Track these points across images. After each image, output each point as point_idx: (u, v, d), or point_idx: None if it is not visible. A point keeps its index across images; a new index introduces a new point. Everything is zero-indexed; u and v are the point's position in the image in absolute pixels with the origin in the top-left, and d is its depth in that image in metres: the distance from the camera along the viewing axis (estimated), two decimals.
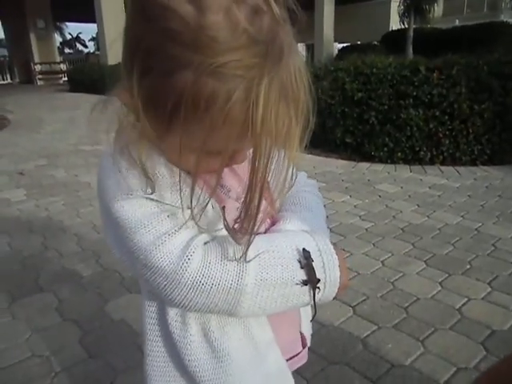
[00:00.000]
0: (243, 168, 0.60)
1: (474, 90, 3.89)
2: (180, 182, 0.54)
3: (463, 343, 1.65)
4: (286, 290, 0.57)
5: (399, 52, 9.09)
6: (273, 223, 0.67)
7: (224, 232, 0.57)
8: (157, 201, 0.54)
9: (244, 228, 0.52)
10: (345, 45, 15.93)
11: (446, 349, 1.63)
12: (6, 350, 1.72)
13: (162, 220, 0.54)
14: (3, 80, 20.62)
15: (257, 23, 0.43)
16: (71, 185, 3.95)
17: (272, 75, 0.44)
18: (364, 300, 1.96)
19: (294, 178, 0.57)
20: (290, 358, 0.73)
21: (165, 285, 0.54)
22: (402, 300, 1.94)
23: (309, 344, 0.79)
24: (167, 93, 0.45)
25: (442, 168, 4.00)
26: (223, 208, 0.59)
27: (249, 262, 0.55)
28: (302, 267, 0.58)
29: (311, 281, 0.58)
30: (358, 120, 4.33)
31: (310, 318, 0.78)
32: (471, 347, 1.63)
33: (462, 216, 2.88)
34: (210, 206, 0.57)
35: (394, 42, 13.48)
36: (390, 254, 2.38)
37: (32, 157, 5.14)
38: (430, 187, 3.51)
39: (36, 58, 19.83)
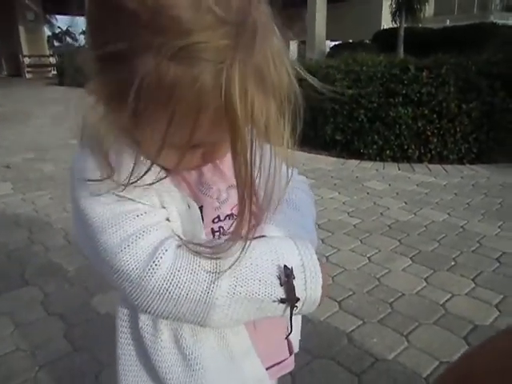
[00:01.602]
0: (228, 164, 0.56)
1: (462, 90, 3.93)
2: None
3: (446, 338, 1.68)
4: (261, 305, 0.54)
5: (390, 51, 9.13)
6: (257, 223, 0.61)
7: (201, 235, 0.55)
8: (128, 199, 0.51)
9: (236, 233, 0.49)
10: (336, 43, 15.97)
11: (430, 343, 1.65)
12: None
13: (130, 220, 0.50)
14: None
15: (224, 1, 0.40)
16: (59, 179, 3.91)
17: (245, 59, 0.41)
18: (350, 295, 1.98)
19: (288, 178, 0.54)
20: (274, 365, 0.69)
21: (130, 290, 0.51)
22: (388, 295, 1.97)
23: (296, 350, 0.76)
24: (128, 80, 0.41)
25: (430, 166, 4.04)
26: (201, 208, 0.57)
27: (222, 273, 0.51)
28: (281, 285, 0.54)
29: (290, 300, 0.55)
30: (347, 117, 4.35)
31: (298, 324, 0.75)
32: (454, 342, 1.65)
33: (448, 213, 2.91)
34: (185, 205, 0.54)
35: (385, 40, 13.54)
36: (376, 251, 2.40)
37: (19, 150, 5.08)
38: (417, 185, 3.55)
39: (25, 51, 19.56)
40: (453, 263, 2.25)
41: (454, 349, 1.61)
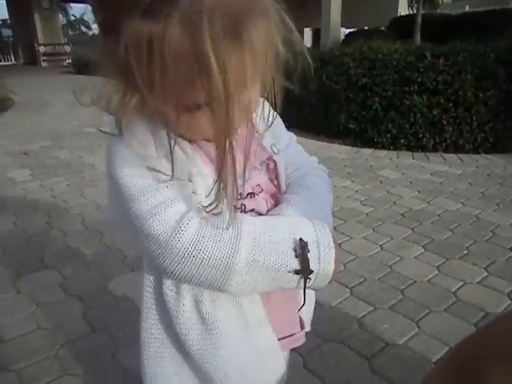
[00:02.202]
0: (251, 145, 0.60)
1: (479, 78, 3.86)
2: (172, 152, 0.54)
3: (457, 324, 1.69)
4: (277, 275, 0.58)
5: (407, 38, 8.98)
6: (276, 204, 0.67)
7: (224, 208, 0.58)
8: (158, 171, 0.55)
9: (222, 193, 0.53)
10: (351, 30, 15.73)
11: (440, 329, 1.66)
12: (11, 323, 1.77)
13: (160, 190, 0.55)
14: (7, 61, 20.54)
15: None
16: (75, 166, 3.99)
17: (211, 9, 0.43)
18: (361, 282, 2.00)
19: (271, 117, 0.65)
20: (286, 337, 0.73)
21: (158, 253, 0.55)
22: (399, 282, 1.98)
23: (308, 328, 0.79)
24: (121, 48, 0.45)
25: (445, 155, 4.00)
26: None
27: (242, 240, 0.55)
28: (296, 256, 0.58)
29: (304, 271, 0.58)
30: (361, 106, 4.32)
31: (312, 301, 0.79)
32: (464, 328, 1.67)
33: (462, 203, 2.90)
34: (210, 180, 0.57)
35: (401, 27, 13.28)
36: (389, 239, 2.41)
37: (36, 138, 5.17)
38: (431, 174, 3.52)
39: (40, 39, 19.71)
40: (465, 252, 2.25)
41: (464, 335, 1.62)
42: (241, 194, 0.63)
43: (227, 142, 0.50)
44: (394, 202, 2.93)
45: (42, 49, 19.63)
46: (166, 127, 0.54)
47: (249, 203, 0.64)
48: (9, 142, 4.95)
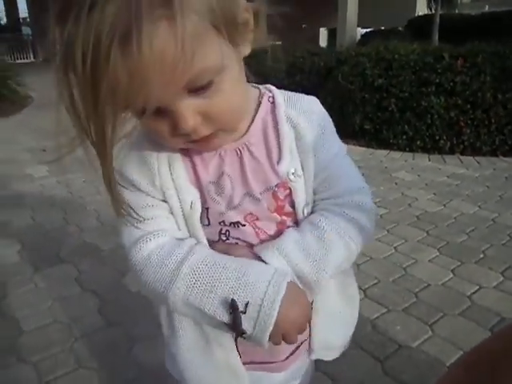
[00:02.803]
0: (253, 171, 0.61)
1: (498, 79, 3.80)
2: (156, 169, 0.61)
3: (472, 329, 1.67)
4: (211, 321, 0.59)
5: (424, 38, 8.88)
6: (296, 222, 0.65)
7: (199, 234, 0.62)
8: (140, 190, 0.62)
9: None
10: (368, 30, 15.60)
11: (454, 333, 1.65)
12: (29, 315, 1.81)
13: (139, 209, 0.61)
14: (26, 59, 20.90)
15: None
16: (91, 163, 4.03)
17: None
18: (375, 283, 1.99)
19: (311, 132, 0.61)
20: (254, 363, 0.72)
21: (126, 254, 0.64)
22: (413, 285, 1.96)
23: (313, 357, 0.77)
24: None
25: (462, 158, 3.95)
26: (207, 208, 0.63)
27: (177, 282, 0.58)
28: (229, 311, 0.56)
29: (233, 329, 0.56)
30: (377, 106, 4.28)
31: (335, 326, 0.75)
32: (479, 333, 1.65)
33: (478, 206, 2.86)
34: (188, 204, 0.61)
35: (419, 28, 13.13)
36: (403, 241, 2.39)
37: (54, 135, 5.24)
38: (448, 176, 3.48)
39: None
40: (481, 256, 2.22)
41: (479, 339, 1.59)
42: (223, 221, 0.63)
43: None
44: (409, 204, 2.91)
45: None
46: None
47: (233, 232, 0.64)
48: (27, 138, 5.04)
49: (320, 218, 0.63)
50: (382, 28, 15.55)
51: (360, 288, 1.94)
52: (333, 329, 0.75)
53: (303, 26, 14.81)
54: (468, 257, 2.21)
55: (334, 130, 0.67)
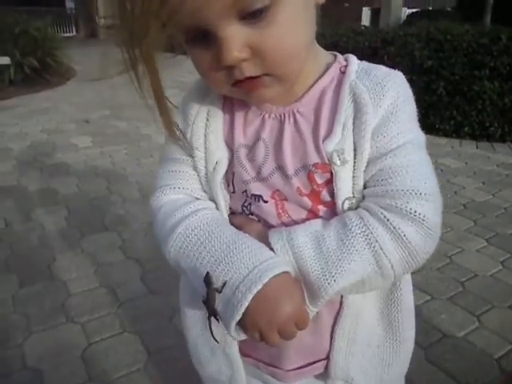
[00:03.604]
0: (291, 146, 0.55)
1: None
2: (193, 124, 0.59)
3: None
4: (190, 274, 0.55)
5: (475, 19, 8.43)
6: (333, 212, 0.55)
7: (218, 197, 0.59)
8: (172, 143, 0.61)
9: None
10: (414, 10, 14.94)
11: (503, 326, 1.59)
12: (76, 278, 1.88)
13: (167, 161, 0.63)
14: (69, 32, 21.32)
15: None
16: (133, 135, 4.10)
17: None
18: (419, 271, 1.93)
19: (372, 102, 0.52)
20: (271, 366, 0.65)
21: None
22: (459, 275, 1.90)
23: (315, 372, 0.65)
24: None
25: None
26: (233, 173, 0.59)
27: (172, 238, 0.55)
28: (205, 284, 0.51)
29: (207, 308, 0.51)
30: (425, 89, 4.11)
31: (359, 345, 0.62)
32: None
33: None
34: (212, 165, 0.58)
35: (470, 7, 12.43)
36: (449, 229, 2.31)
37: (97, 107, 5.36)
38: (497, 165, 3.32)
39: (101, 12, 20.25)
40: None
41: None
42: (246, 191, 0.58)
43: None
44: (456, 192, 2.80)
45: (101, 21, 20.18)
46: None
47: (254, 207, 0.58)
48: (72, 110, 5.17)
49: (354, 217, 0.51)
50: (430, 8, 14.87)
51: None
52: (361, 362, 0.63)
53: (346, 4, 14.36)
54: None
55: (412, 113, 0.56)
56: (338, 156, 0.52)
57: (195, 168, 0.59)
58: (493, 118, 3.83)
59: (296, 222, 0.55)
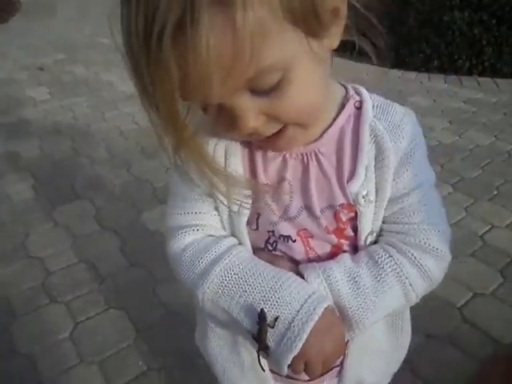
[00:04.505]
0: (316, 184, 0.55)
1: None
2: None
3: (482, 270, 1.74)
4: (236, 325, 0.55)
5: None
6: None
7: (245, 240, 0.59)
8: (190, 183, 0.57)
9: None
10: None
11: (465, 275, 1.71)
12: (54, 254, 1.87)
13: (184, 201, 0.60)
14: None
15: None
16: (93, 83, 3.87)
17: None
18: None
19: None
20: (290, 378, 0.67)
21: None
22: None
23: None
24: None
25: (480, 79, 3.76)
26: (258, 215, 0.58)
27: (209, 280, 0.55)
28: (258, 320, 0.51)
29: (258, 341, 0.52)
30: (396, 20, 3.98)
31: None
32: (489, 274, 1.71)
33: (495, 136, 2.79)
34: (235, 212, 0.57)
35: None
36: None
37: (49, 50, 4.95)
38: (464, 101, 3.35)
39: None
40: (495, 192, 2.23)
41: (489, 281, 1.68)
42: (273, 231, 0.58)
43: None
44: (425, 135, 2.83)
45: None
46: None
47: (281, 245, 0.59)
48: (22, 54, 4.77)
49: (383, 254, 0.56)
50: None
51: None
52: (370, 365, 0.69)
53: None
54: (482, 194, 2.21)
55: (425, 153, 0.59)
56: (363, 197, 0.55)
57: (217, 208, 0.59)
58: (461, 50, 3.78)
59: (320, 257, 0.59)
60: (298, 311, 0.51)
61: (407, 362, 1.30)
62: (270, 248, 0.60)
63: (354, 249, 0.60)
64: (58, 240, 1.95)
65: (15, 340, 1.48)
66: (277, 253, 0.60)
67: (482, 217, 2.04)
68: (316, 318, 0.50)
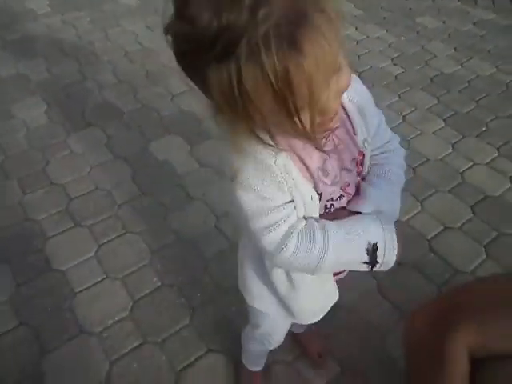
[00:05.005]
0: (345, 149, 0.74)
1: None
2: (283, 178, 0.67)
3: (455, 206, 1.94)
4: (352, 265, 0.77)
5: None
6: (356, 190, 0.79)
7: (316, 214, 0.75)
8: (266, 198, 0.68)
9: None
10: None
11: (440, 209, 1.92)
12: (73, 181, 2.08)
13: (269, 213, 0.69)
14: None
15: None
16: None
17: (265, 35, 0.46)
18: None
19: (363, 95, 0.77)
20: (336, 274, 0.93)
21: (267, 256, 0.77)
22: (414, 160, 2.15)
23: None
24: (208, 90, 0.54)
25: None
26: (320, 194, 0.74)
27: (328, 253, 0.70)
28: (367, 254, 0.74)
29: (371, 263, 0.75)
30: None
31: None
32: (461, 209, 1.92)
33: (496, 66, 2.80)
34: (309, 197, 0.71)
35: None
36: (413, 109, 2.47)
37: None
38: (474, 23, 3.27)
39: None
40: (484, 128, 2.34)
41: (459, 216, 1.89)
42: (332, 198, 0.76)
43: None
44: (427, 62, 2.85)
45: None
46: (270, 150, 0.64)
47: (336, 204, 0.78)
48: None
49: (385, 170, 0.83)
50: None
51: None
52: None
53: None
54: (471, 129, 2.33)
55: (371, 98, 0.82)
56: (364, 142, 0.78)
57: (295, 206, 0.72)
58: None
59: (351, 194, 0.80)
60: (383, 233, 0.74)
61: (377, 285, 1.61)
62: (328, 211, 0.78)
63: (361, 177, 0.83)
64: (76, 168, 2.14)
65: (50, 258, 1.75)
66: (331, 210, 0.79)
67: (466, 154, 2.19)
68: (393, 229, 0.76)
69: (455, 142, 2.26)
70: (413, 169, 2.11)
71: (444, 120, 2.40)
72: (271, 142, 0.60)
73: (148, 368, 1.43)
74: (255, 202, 0.69)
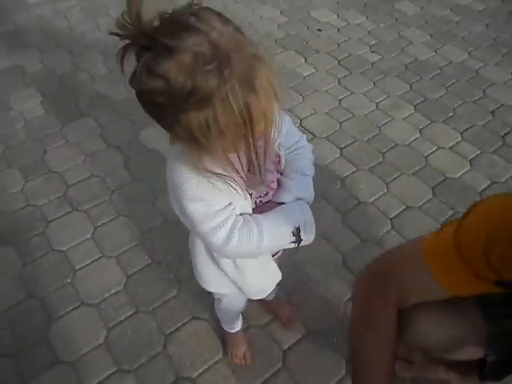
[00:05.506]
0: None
1: None
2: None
3: (418, 187, 2.13)
4: (282, 246, 0.99)
5: None
6: (278, 183, 0.97)
7: (250, 210, 0.94)
8: (210, 205, 0.84)
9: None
10: None
11: (404, 191, 2.11)
12: (69, 169, 2.26)
13: (214, 217, 0.85)
14: None
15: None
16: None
17: (238, 82, 0.64)
18: (352, 143, 2.36)
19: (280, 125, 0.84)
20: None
21: (214, 250, 0.96)
22: (383, 145, 2.34)
23: None
24: (180, 129, 0.72)
25: None
26: (251, 195, 0.93)
27: (264, 238, 0.89)
28: (293, 235, 0.94)
29: (297, 241, 0.95)
30: None
31: None
32: (422, 190, 2.11)
33: (469, 52, 2.95)
34: (243, 198, 0.88)
35: None
36: (386, 96, 2.64)
37: None
38: (451, 9, 3.39)
39: None
40: (451, 114, 2.51)
41: (420, 197, 2.09)
42: (260, 195, 0.96)
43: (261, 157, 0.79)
44: (403, 50, 3.00)
45: None
46: (218, 173, 0.78)
47: (264, 199, 0.96)
48: None
49: (296, 164, 0.99)
50: None
51: (338, 147, 2.33)
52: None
53: None
54: (438, 115, 2.50)
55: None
56: (280, 146, 0.94)
57: (233, 206, 0.89)
58: None
59: (274, 189, 0.98)
60: (303, 216, 0.94)
61: (343, 260, 1.81)
62: (257, 205, 0.98)
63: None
64: (72, 157, 2.32)
65: (50, 240, 1.95)
66: (259, 204, 0.99)
67: (431, 138, 2.37)
68: (309, 211, 0.97)
69: (423, 128, 2.44)
70: (382, 154, 2.30)
71: (414, 106, 2.57)
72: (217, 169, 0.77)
73: (140, 333, 1.65)
74: (201, 209, 0.84)
